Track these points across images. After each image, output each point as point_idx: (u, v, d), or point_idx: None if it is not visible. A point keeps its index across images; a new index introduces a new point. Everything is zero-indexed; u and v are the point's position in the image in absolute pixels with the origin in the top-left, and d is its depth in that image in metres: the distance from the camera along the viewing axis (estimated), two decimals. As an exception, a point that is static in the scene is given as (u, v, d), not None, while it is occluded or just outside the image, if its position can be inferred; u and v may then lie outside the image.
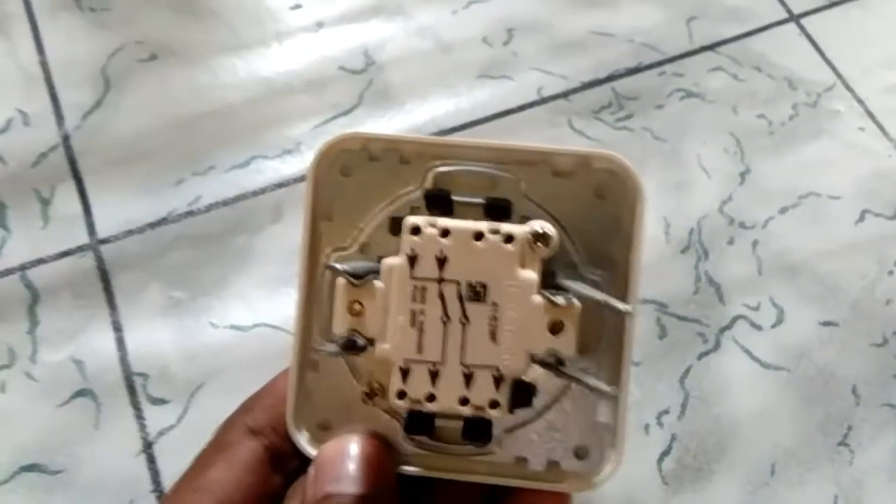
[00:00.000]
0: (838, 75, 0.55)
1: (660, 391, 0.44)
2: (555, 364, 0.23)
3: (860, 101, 0.54)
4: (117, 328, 0.44)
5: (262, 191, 0.49)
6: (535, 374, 0.24)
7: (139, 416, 0.42)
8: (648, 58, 0.55)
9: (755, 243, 0.48)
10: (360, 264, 0.24)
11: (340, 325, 0.23)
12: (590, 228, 0.26)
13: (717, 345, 0.45)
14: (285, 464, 0.23)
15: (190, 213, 0.48)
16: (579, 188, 0.26)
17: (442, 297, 0.23)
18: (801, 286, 0.47)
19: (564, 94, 0.53)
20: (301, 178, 0.49)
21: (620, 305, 0.23)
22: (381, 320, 0.23)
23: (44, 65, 0.52)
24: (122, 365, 0.43)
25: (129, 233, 0.47)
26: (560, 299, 0.23)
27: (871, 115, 0.54)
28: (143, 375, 0.43)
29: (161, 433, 0.41)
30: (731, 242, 0.48)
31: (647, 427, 0.43)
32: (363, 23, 0.56)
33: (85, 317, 0.44)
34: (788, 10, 0.58)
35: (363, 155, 0.25)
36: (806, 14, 0.58)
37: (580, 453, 0.25)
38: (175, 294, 0.45)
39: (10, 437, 0.41)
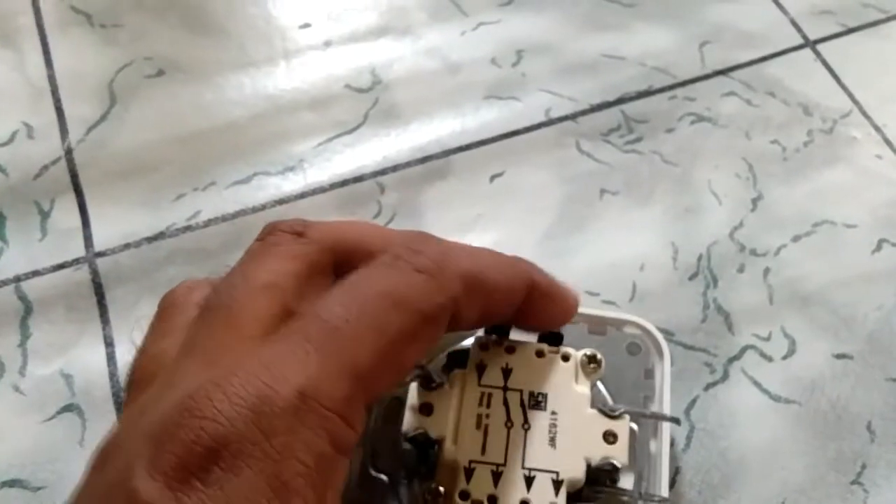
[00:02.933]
0: (855, 102, 0.54)
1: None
2: (610, 471, 0.25)
3: (877, 129, 0.53)
4: (109, 343, 0.43)
5: (263, 207, 0.48)
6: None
7: (126, 433, 0.41)
8: (659, 81, 0.54)
9: (766, 271, 0.47)
10: (431, 369, 0.26)
11: (410, 423, 0.25)
12: (622, 379, 0.30)
13: (726, 375, 0.43)
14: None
15: (188, 228, 0.47)
16: (611, 348, 0.32)
17: (506, 403, 0.26)
18: (814, 317, 0.45)
19: (573, 116, 0.53)
20: (302, 196, 0.49)
21: (669, 417, 0.28)
22: (449, 421, 0.25)
23: (51, 79, 0.52)
24: (111, 381, 0.42)
25: (126, 246, 0.46)
26: (611, 409, 0.26)
27: (888, 143, 0.52)
28: (132, 391, 0.42)
29: (147, 451, 0.40)
30: (741, 270, 0.47)
31: (649, 459, 0.41)
32: (371, 42, 0.55)
33: (77, 330, 0.43)
34: (804, 36, 0.57)
35: None
36: (822, 40, 0.57)
37: None
38: (169, 309, 0.44)
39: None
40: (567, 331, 0.29)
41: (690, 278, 0.46)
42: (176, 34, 0.55)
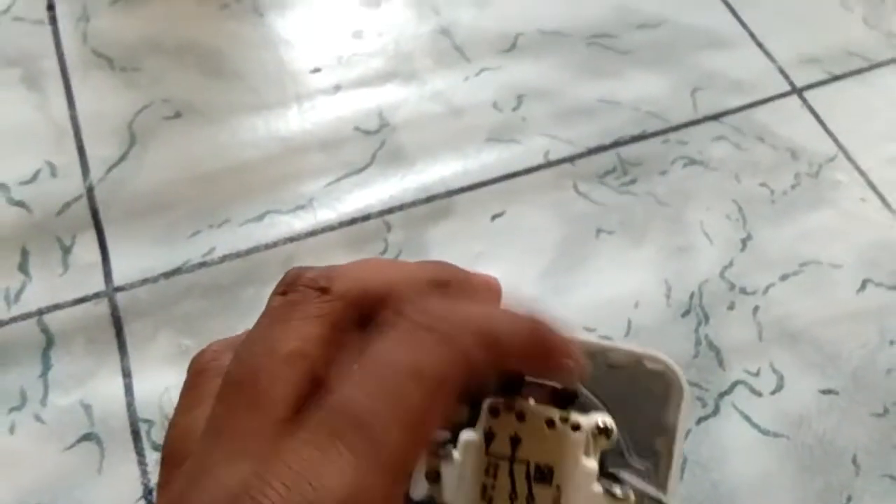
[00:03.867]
0: (840, 147, 0.57)
1: (658, 454, 0.44)
2: None
3: (862, 173, 0.55)
4: (126, 374, 0.45)
5: (275, 244, 0.50)
6: None
7: (141, 462, 0.43)
8: (653, 126, 0.57)
9: (756, 309, 0.49)
10: (440, 434, 0.26)
11: (419, 489, 0.25)
12: (637, 418, 0.30)
13: (717, 410, 0.45)
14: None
15: (203, 264, 0.49)
16: (630, 382, 0.31)
17: (512, 475, 0.25)
18: (802, 353, 0.47)
19: (570, 159, 0.55)
20: (312, 233, 0.51)
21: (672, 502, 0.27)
22: (456, 489, 0.25)
23: (73, 119, 0.55)
24: (128, 411, 0.44)
25: (144, 281, 0.48)
26: (618, 491, 0.26)
27: (872, 186, 0.55)
28: (147, 422, 0.44)
29: (162, 479, 0.42)
30: (731, 307, 0.49)
31: (644, 490, 0.43)
32: (379, 87, 0.58)
33: (96, 362, 0.45)
34: (791, 84, 0.60)
35: None
36: (808, 87, 0.60)
37: None
38: (184, 342, 0.46)
39: (16, 478, 0.42)
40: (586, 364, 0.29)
41: (683, 315, 0.49)
42: (193, 78, 0.57)
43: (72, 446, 0.43)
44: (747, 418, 0.45)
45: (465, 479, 0.25)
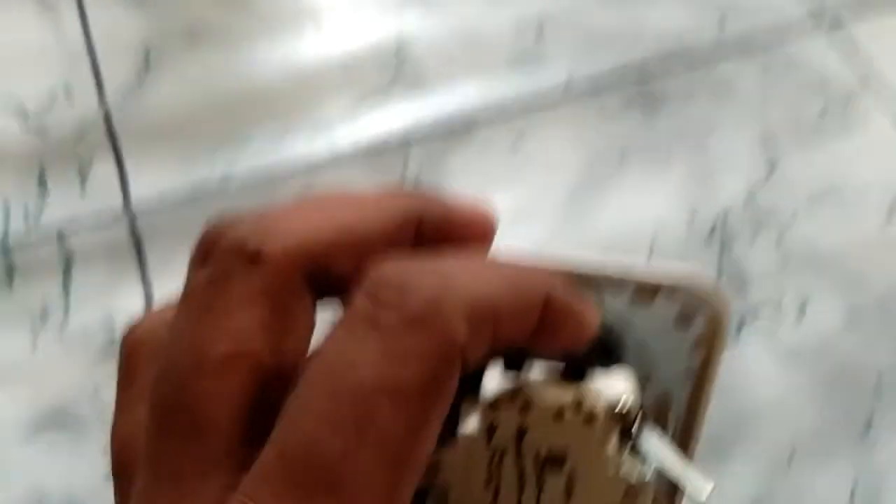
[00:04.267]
0: (869, 75, 0.55)
1: (679, 375, 0.44)
2: None
3: (892, 101, 0.54)
4: (147, 290, 0.45)
5: (293, 169, 0.50)
6: None
7: (163, 375, 0.43)
8: (679, 52, 0.56)
9: (781, 235, 0.48)
10: None
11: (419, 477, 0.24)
12: (664, 358, 0.28)
13: (739, 334, 0.45)
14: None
15: (221, 186, 0.49)
16: (660, 315, 0.28)
17: (520, 463, 0.23)
18: (826, 279, 0.47)
19: (594, 85, 0.54)
20: (330, 160, 0.51)
21: (695, 493, 0.25)
22: (458, 480, 0.23)
23: (88, 41, 0.54)
24: (149, 325, 0.44)
25: (163, 202, 0.48)
26: (636, 471, 0.23)
27: (902, 116, 0.53)
28: (169, 336, 0.44)
29: (184, 392, 0.42)
30: (756, 233, 0.48)
31: (664, 410, 0.43)
32: (398, 10, 0.57)
33: (117, 279, 0.45)
34: (822, 10, 0.58)
35: None
36: (840, 14, 0.58)
37: None
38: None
39: (39, 392, 0.42)
40: (607, 296, 0.26)
41: (707, 241, 0.48)
42: (208, 1, 0.56)
43: (94, 358, 0.43)
44: (770, 341, 0.45)
45: (468, 471, 0.23)
